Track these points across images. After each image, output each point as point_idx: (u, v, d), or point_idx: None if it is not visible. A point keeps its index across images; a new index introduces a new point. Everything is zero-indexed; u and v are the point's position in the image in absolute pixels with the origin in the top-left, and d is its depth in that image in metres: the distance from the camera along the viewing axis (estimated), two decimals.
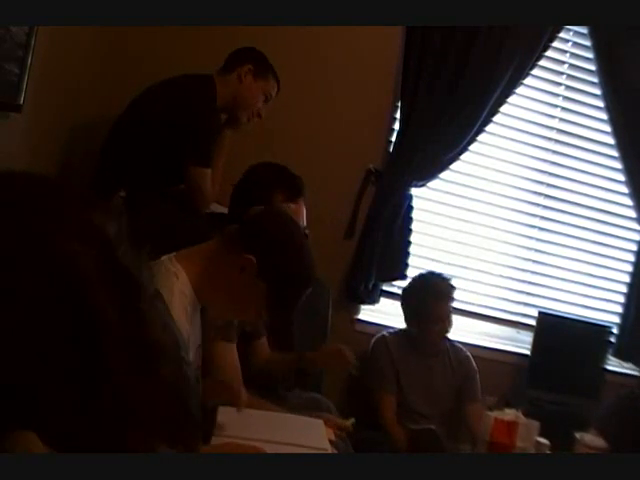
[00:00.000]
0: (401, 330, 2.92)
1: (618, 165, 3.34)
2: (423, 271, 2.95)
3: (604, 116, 3.31)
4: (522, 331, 3.38)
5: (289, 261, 1.53)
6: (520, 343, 3.36)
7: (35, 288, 0.46)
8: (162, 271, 1.46)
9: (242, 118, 2.55)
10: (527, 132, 3.34)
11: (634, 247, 3.48)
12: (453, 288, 2.83)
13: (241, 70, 2.48)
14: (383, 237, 3.05)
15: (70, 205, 0.53)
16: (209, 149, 2.39)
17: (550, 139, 3.38)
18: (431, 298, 2.77)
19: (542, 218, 3.41)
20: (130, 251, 0.55)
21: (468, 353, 2.95)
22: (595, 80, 3.30)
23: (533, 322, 3.29)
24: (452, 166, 3.16)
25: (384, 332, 2.94)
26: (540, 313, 3.28)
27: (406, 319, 2.89)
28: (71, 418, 0.45)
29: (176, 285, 1.44)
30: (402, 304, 2.90)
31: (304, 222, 2.10)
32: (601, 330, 3.38)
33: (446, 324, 2.81)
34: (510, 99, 3.18)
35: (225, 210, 2.51)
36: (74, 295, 0.47)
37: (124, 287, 0.51)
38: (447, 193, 3.27)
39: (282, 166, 2.14)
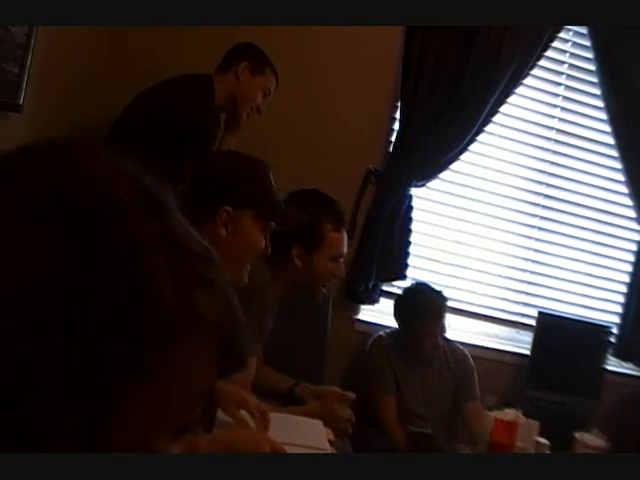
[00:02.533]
0: (398, 330, 2.92)
1: (618, 165, 3.34)
2: (414, 284, 2.93)
3: (604, 116, 3.31)
4: (522, 331, 3.38)
5: (242, 170, 1.58)
6: (520, 343, 3.36)
7: None
8: None
9: (242, 115, 2.55)
10: (527, 132, 3.34)
11: (634, 247, 3.48)
12: (444, 305, 2.81)
13: (238, 67, 2.48)
14: (383, 237, 3.05)
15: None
16: (209, 149, 2.39)
17: (550, 139, 3.38)
18: (421, 317, 2.77)
19: (542, 218, 3.41)
20: None
21: (466, 351, 2.95)
22: (595, 80, 3.30)
23: (533, 322, 3.29)
24: (452, 166, 3.16)
25: (381, 332, 2.93)
26: (540, 313, 3.28)
27: (400, 329, 2.89)
28: None
29: None
30: (394, 315, 2.90)
31: (345, 250, 2.19)
32: (601, 330, 3.38)
33: (438, 339, 2.80)
34: (510, 99, 3.18)
35: None
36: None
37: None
38: (447, 193, 3.27)
39: (327, 195, 2.26)
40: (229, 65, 2.50)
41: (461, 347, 2.95)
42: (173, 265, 0.46)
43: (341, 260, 2.16)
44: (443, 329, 2.82)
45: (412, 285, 2.94)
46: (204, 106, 2.39)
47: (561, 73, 3.37)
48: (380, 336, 2.90)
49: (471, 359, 2.93)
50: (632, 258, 3.47)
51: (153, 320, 0.44)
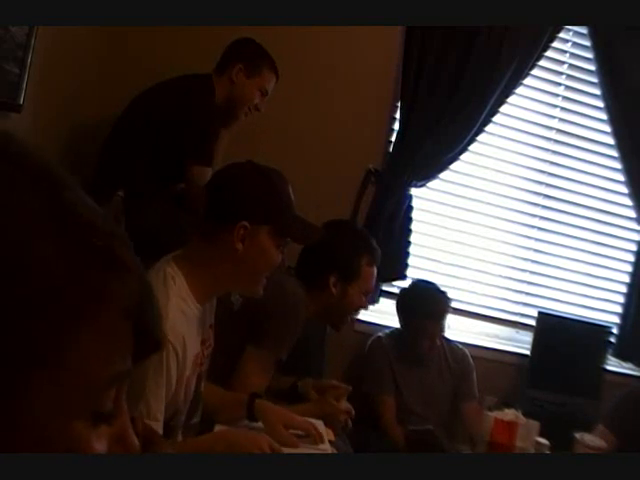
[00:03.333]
0: (396, 331, 2.92)
1: (618, 165, 3.34)
2: (420, 281, 2.93)
3: (604, 116, 3.31)
4: (522, 331, 3.38)
5: (263, 187, 1.54)
6: (520, 343, 3.36)
7: None
8: (160, 275, 1.45)
9: (239, 115, 2.55)
10: (527, 132, 3.34)
11: (634, 247, 3.48)
12: (447, 306, 2.81)
13: (232, 71, 2.48)
14: (383, 237, 3.04)
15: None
16: (210, 148, 2.39)
17: (550, 139, 3.38)
18: (423, 315, 2.77)
19: (542, 218, 3.41)
20: None
21: (465, 351, 2.95)
22: (595, 80, 3.30)
23: (533, 322, 3.29)
24: (452, 166, 3.16)
25: (380, 333, 2.93)
26: (540, 313, 3.28)
27: (400, 325, 2.89)
28: None
29: (172, 289, 1.44)
30: (397, 309, 2.90)
31: (373, 287, 2.32)
32: (601, 330, 3.38)
33: (435, 340, 2.80)
34: (510, 99, 3.18)
35: None
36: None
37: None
38: (447, 193, 3.27)
39: (364, 229, 2.44)
40: (224, 68, 2.50)
41: (461, 347, 2.95)
42: (70, 245, 0.44)
43: (369, 296, 2.28)
44: (442, 330, 2.82)
45: (418, 281, 2.94)
46: (204, 105, 2.39)
47: (561, 73, 3.37)
48: (379, 337, 2.90)
49: (471, 359, 2.93)
50: (632, 258, 3.48)
51: (46, 304, 0.42)
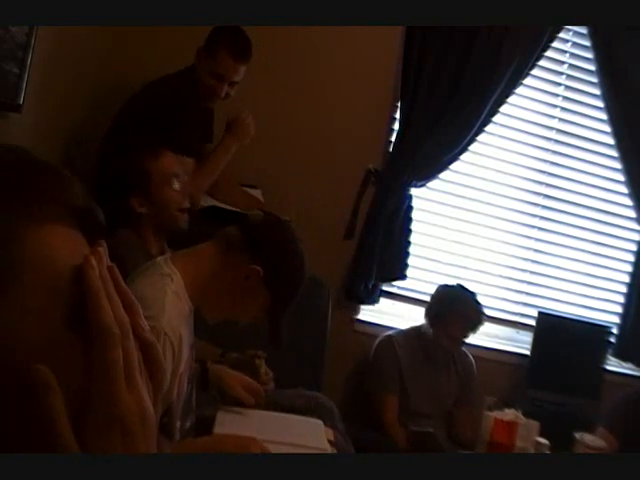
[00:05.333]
0: (411, 330, 2.92)
1: (618, 165, 3.35)
2: (465, 288, 2.88)
3: (604, 116, 3.31)
4: (522, 331, 3.38)
5: (294, 269, 1.57)
6: (520, 343, 3.36)
7: None
8: (156, 272, 1.47)
9: (219, 93, 2.50)
10: (527, 132, 3.34)
11: (634, 247, 3.48)
12: (481, 319, 2.80)
13: (198, 51, 2.49)
14: (383, 237, 3.05)
15: None
16: (187, 138, 2.38)
17: (550, 139, 3.38)
18: (457, 314, 2.77)
19: (542, 218, 3.41)
20: None
21: (472, 358, 2.96)
22: (595, 80, 3.30)
23: (533, 322, 3.29)
24: (452, 166, 3.17)
25: (390, 332, 2.93)
26: (540, 313, 3.29)
27: (427, 316, 2.87)
28: None
29: (169, 287, 1.45)
30: (433, 300, 2.88)
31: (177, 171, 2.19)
32: (601, 330, 3.38)
33: (456, 346, 2.82)
34: (510, 99, 3.18)
35: (221, 206, 2.52)
36: None
37: None
38: (447, 193, 3.27)
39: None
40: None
41: (469, 354, 2.96)
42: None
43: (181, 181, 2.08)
44: (463, 341, 2.82)
45: (463, 287, 2.89)
46: (184, 101, 2.40)
47: (561, 73, 3.37)
48: (389, 336, 2.89)
49: (475, 367, 2.95)
50: (632, 258, 3.48)
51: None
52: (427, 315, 2.86)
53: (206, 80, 2.47)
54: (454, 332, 2.77)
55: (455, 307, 2.78)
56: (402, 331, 2.93)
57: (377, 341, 2.91)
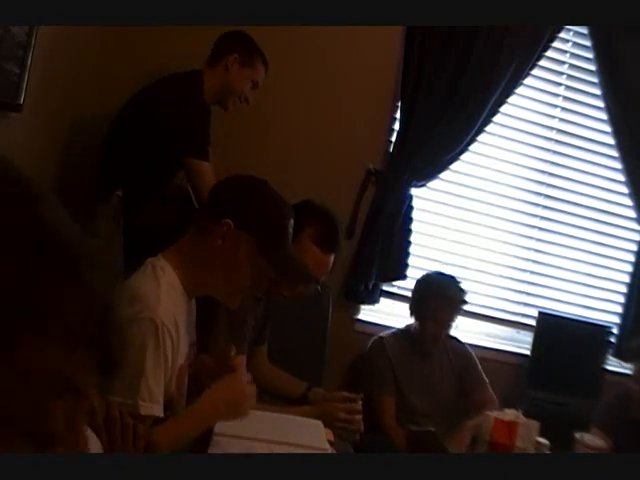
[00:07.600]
0: (399, 330, 2.91)
1: (618, 165, 3.34)
2: (437, 272, 2.89)
3: (604, 116, 3.31)
4: (522, 331, 3.38)
5: (264, 202, 1.57)
6: (520, 343, 3.36)
7: None
8: (148, 268, 1.49)
9: (228, 105, 2.56)
10: (527, 132, 3.34)
11: (634, 247, 3.48)
12: (461, 296, 2.78)
13: (228, 59, 2.50)
14: (383, 237, 3.05)
15: None
16: (205, 142, 2.40)
17: (550, 139, 3.38)
18: (436, 299, 2.75)
19: (542, 218, 3.41)
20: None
21: (469, 349, 2.94)
22: (595, 80, 3.30)
23: (533, 322, 3.29)
24: (452, 166, 3.16)
25: (381, 334, 2.92)
26: (540, 313, 3.28)
27: (411, 311, 2.86)
28: None
29: (163, 278, 1.47)
30: (412, 294, 2.87)
31: None
32: (601, 330, 3.38)
33: (443, 331, 2.79)
34: (510, 99, 3.18)
35: None
36: None
37: None
38: (447, 193, 3.27)
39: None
40: (219, 57, 2.53)
41: (466, 346, 2.94)
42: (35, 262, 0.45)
43: None
44: (451, 320, 2.80)
45: (436, 272, 2.90)
46: (194, 101, 2.40)
47: (561, 73, 3.36)
48: (380, 337, 2.89)
49: (469, 348, 2.92)
50: (632, 258, 3.48)
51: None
52: (411, 309, 2.84)
53: (244, 86, 2.52)
54: (438, 315, 2.75)
55: (434, 289, 2.76)
56: (392, 331, 2.92)
57: (369, 343, 2.90)
